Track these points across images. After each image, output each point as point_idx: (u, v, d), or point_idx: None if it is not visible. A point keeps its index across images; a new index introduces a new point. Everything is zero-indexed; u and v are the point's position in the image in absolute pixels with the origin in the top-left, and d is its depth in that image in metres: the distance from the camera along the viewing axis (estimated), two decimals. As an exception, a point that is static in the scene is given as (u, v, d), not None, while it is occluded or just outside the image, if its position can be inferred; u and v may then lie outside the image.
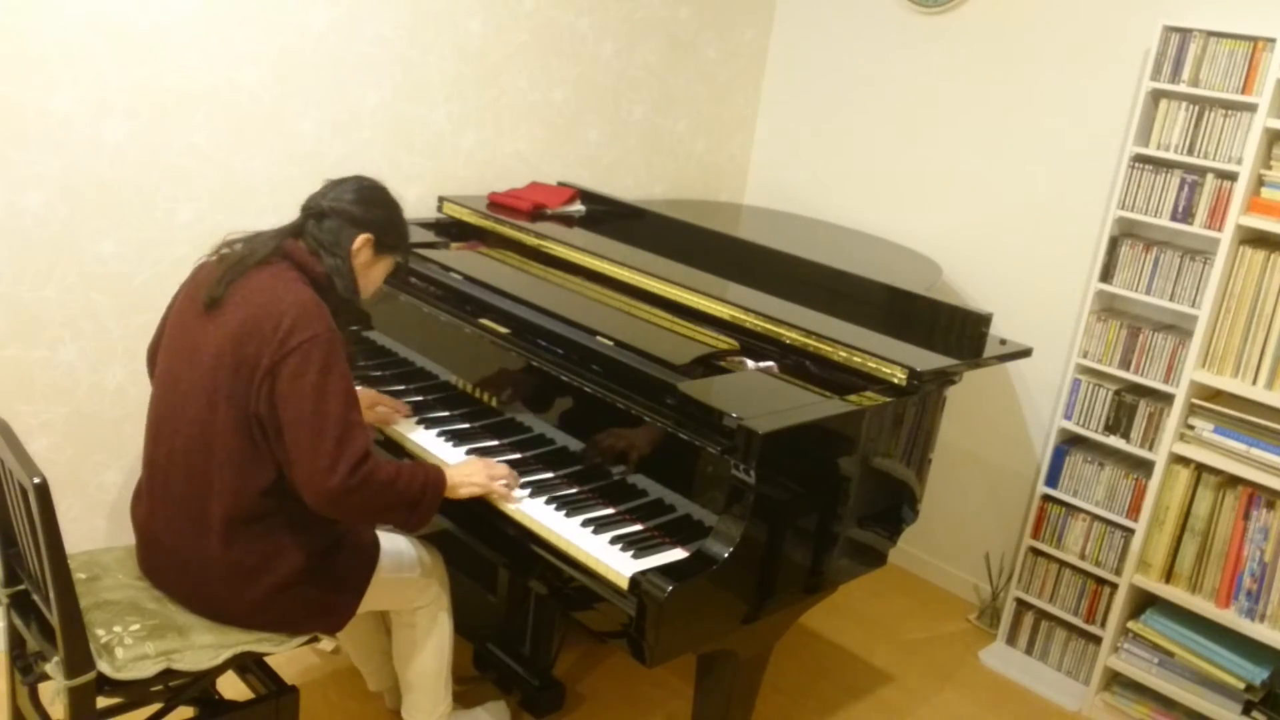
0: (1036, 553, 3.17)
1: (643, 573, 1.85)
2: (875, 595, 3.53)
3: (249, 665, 2.06)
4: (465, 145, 3.18)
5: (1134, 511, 2.93)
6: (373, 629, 2.47)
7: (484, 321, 2.42)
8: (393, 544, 2.18)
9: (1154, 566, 2.90)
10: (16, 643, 2.02)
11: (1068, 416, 3.05)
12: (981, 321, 2.42)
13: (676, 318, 2.45)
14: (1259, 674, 2.73)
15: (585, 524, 2.03)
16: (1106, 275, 2.94)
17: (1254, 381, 2.71)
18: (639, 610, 1.84)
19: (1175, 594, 2.86)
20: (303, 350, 1.82)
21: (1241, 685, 2.73)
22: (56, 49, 2.36)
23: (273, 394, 1.83)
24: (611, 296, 2.57)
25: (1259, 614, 2.73)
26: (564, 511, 2.07)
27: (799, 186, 3.91)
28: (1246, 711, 2.77)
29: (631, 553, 1.94)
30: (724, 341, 2.32)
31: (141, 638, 1.85)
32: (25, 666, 2.01)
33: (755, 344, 2.35)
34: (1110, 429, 2.98)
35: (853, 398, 2.12)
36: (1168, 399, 2.84)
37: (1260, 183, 2.68)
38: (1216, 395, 2.82)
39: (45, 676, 1.97)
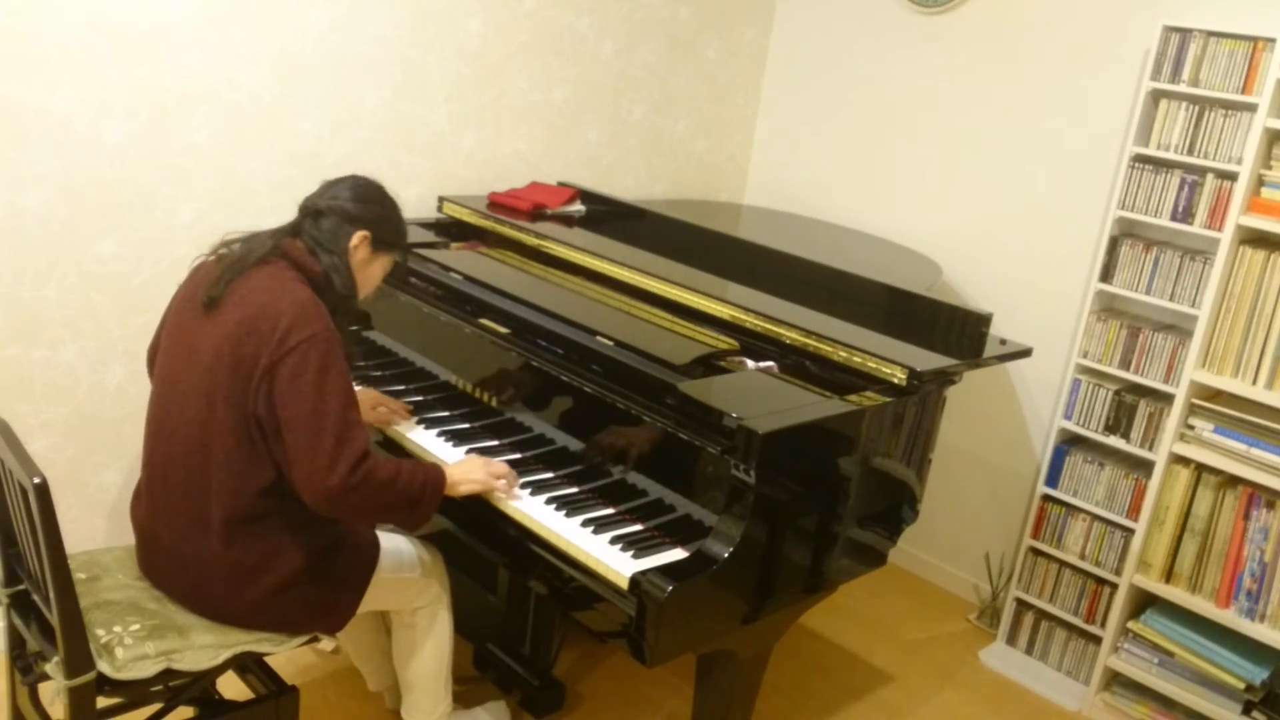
0: (1036, 553, 3.17)
1: (643, 573, 1.85)
2: (875, 595, 3.53)
3: (249, 665, 2.06)
4: (465, 145, 3.18)
5: (1134, 511, 2.93)
6: (373, 629, 2.47)
7: (484, 321, 2.42)
8: (393, 544, 2.18)
9: (1154, 566, 2.90)
10: (16, 643, 2.02)
11: (1068, 416, 3.05)
12: (981, 321, 2.42)
13: (676, 318, 2.45)
14: (1259, 674, 2.73)
15: (585, 524, 2.03)
16: (1106, 275, 2.94)
17: (1254, 381, 2.71)
18: (639, 610, 1.84)
19: (1175, 594, 2.86)
20: (301, 350, 1.82)
21: (1241, 685, 2.73)
22: (56, 49, 2.36)
23: (271, 394, 1.83)
24: (611, 296, 2.57)
25: (1259, 614, 2.73)
26: (564, 511, 2.07)
27: (799, 186, 3.91)
28: (1246, 711, 2.77)
29: (631, 553, 1.94)
30: (724, 341, 2.32)
31: (141, 638, 1.85)
32: (25, 666, 2.01)
33: (755, 344, 2.35)
34: (1110, 429, 2.98)
35: (853, 398, 2.12)
36: (1168, 399, 2.84)
37: (1260, 183, 2.68)
38: (1216, 395, 2.82)
39: (45, 676, 1.97)
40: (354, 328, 2.75)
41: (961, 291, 3.45)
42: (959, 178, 3.45)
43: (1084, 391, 3.01)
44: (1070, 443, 3.09)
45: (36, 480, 1.65)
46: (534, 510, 2.07)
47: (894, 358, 2.20)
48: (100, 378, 2.64)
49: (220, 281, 1.90)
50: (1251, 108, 2.65)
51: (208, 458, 1.89)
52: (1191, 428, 2.80)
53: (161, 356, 2.01)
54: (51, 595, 1.71)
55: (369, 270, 2.08)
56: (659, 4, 3.51)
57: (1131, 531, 2.93)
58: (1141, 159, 2.86)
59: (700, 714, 2.25)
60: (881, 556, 2.33)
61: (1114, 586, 2.98)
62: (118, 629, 1.85)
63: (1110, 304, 3.06)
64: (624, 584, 1.86)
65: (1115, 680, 3.06)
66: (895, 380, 2.17)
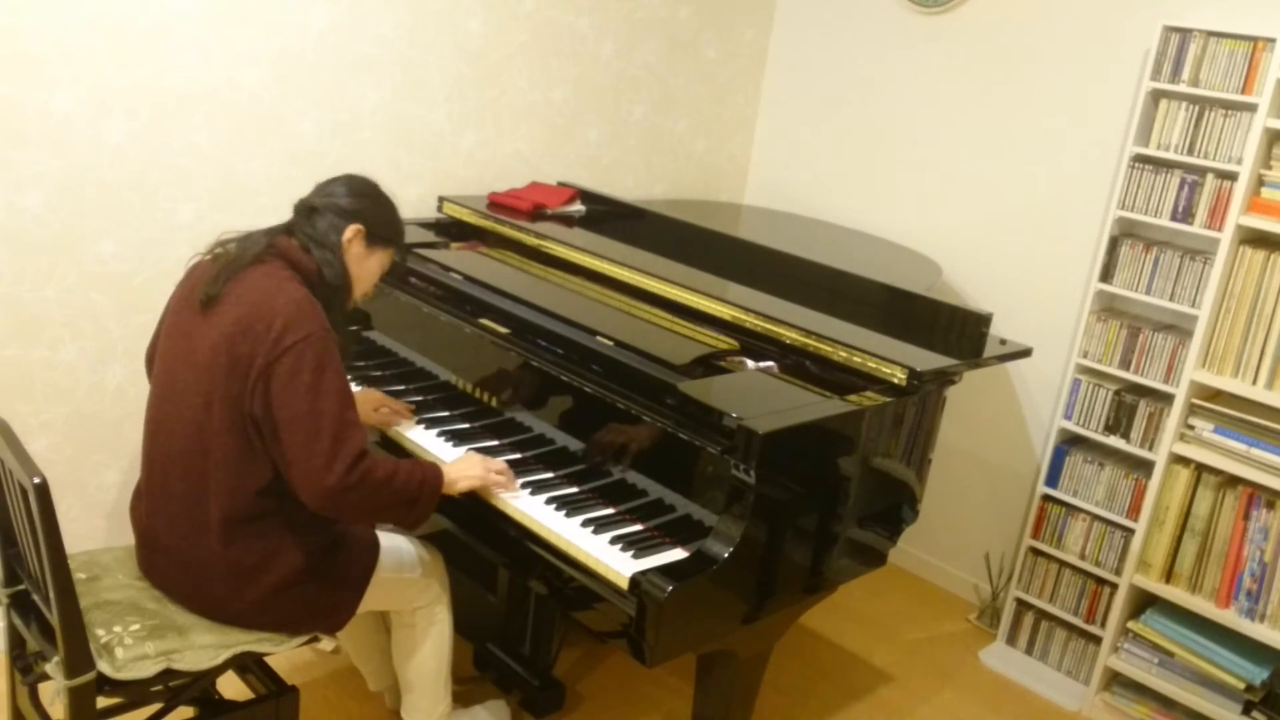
0: (1036, 553, 3.17)
1: (643, 573, 1.85)
2: (875, 595, 3.53)
3: (249, 665, 2.06)
4: (465, 145, 3.18)
5: (1134, 511, 2.93)
6: (373, 629, 2.47)
7: (484, 321, 2.42)
8: (393, 543, 2.18)
9: (1154, 566, 2.90)
10: (16, 643, 2.02)
11: (1068, 416, 3.05)
12: (981, 321, 2.42)
13: (676, 318, 2.45)
14: (1259, 674, 2.73)
15: (585, 524, 2.03)
16: (1106, 275, 2.94)
17: (1254, 381, 2.71)
18: (639, 610, 1.84)
19: (1175, 594, 2.86)
20: (297, 350, 1.82)
21: (1241, 685, 2.73)
22: (56, 49, 2.36)
23: (267, 394, 1.83)
24: (611, 296, 2.57)
25: (1259, 614, 2.73)
26: (564, 511, 2.07)
27: (799, 186, 3.91)
28: (1246, 711, 2.77)
29: (631, 553, 1.94)
30: (724, 341, 2.32)
31: (141, 638, 1.85)
32: (25, 666, 2.01)
33: (755, 344, 2.35)
34: (1110, 429, 2.98)
35: (853, 398, 2.12)
36: (1168, 399, 2.84)
37: (1260, 183, 2.68)
38: (1216, 395, 2.82)
39: (45, 676, 1.97)
40: (354, 328, 2.75)
41: (961, 291, 3.45)
42: (959, 178, 3.45)
43: (1084, 391, 3.01)
44: (1070, 443, 3.09)
45: (36, 480, 1.65)
46: (534, 510, 2.07)
47: (894, 358, 2.20)
48: (100, 378, 2.64)
49: (217, 280, 1.90)
50: (1251, 108, 2.65)
51: (206, 457, 1.89)
52: (1191, 428, 2.80)
53: (159, 357, 2.01)
54: (51, 595, 1.71)
55: (365, 265, 2.07)
56: (659, 4, 3.51)
57: (1131, 531, 2.93)
58: (1141, 159, 2.86)
59: (700, 714, 2.25)
60: (881, 556, 2.33)
61: (1114, 586, 2.98)
62: (118, 629, 1.85)
63: (1110, 304, 3.06)
64: (624, 584, 1.86)
65: (1115, 680, 3.06)
66: (895, 380, 2.17)
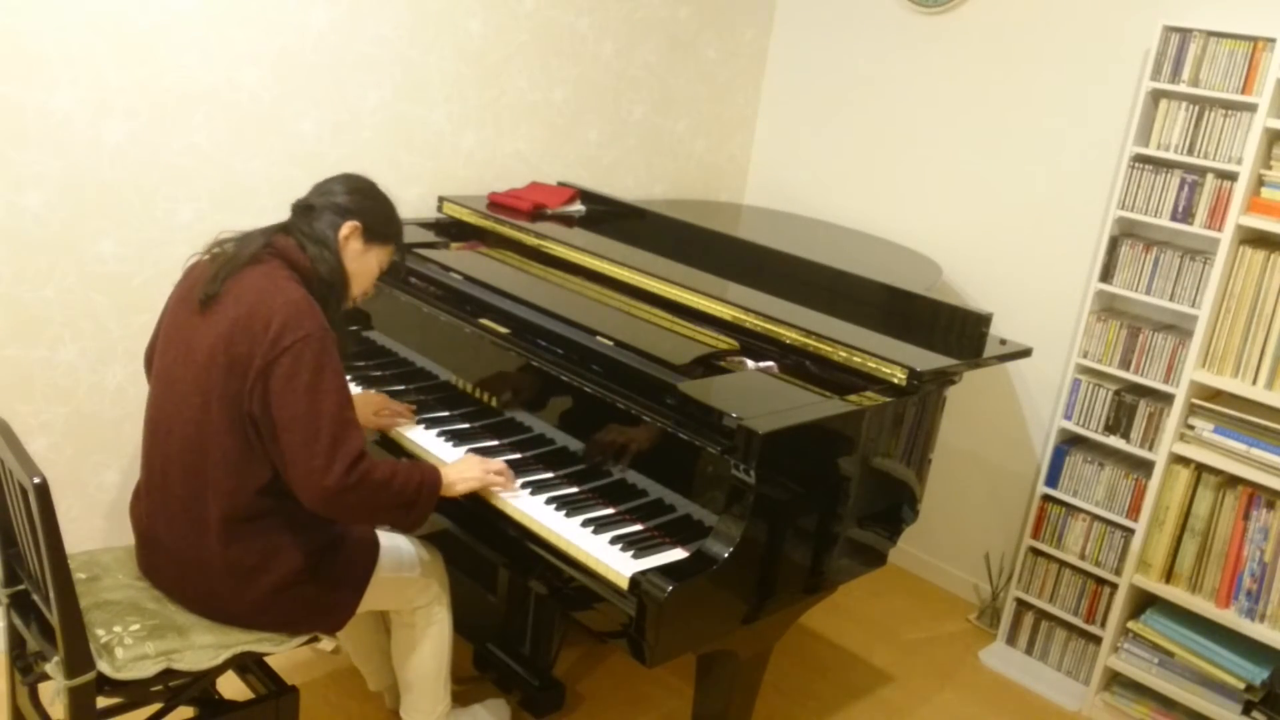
0: (1036, 553, 3.17)
1: (643, 573, 1.85)
2: (875, 595, 3.53)
3: (249, 665, 2.06)
4: (465, 145, 3.18)
5: (1134, 511, 2.93)
6: (372, 629, 2.47)
7: (484, 321, 2.42)
8: (392, 543, 2.18)
9: (1154, 566, 2.90)
10: (16, 643, 2.02)
11: (1068, 416, 3.05)
12: (981, 321, 2.42)
13: (676, 318, 2.45)
14: (1259, 674, 2.73)
15: (585, 524, 2.03)
16: (1106, 275, 2.94)
17: (1254, 381, 2.71)
18: (639, 610, 1.84)
19: (1175, 594, 2.86)
20: (294, 351, 1.82)
21: (1241, 685, 2.73)
22: (56, 49, 2.36)
23: (266, 395, 1.82)
24: (611, 296, 2.57)
25: (1259, 614, 2.73)
26: (564, 511, 2.07)
27: (799, 186, 3.91)
28: (1246, 711, 2.77)
29: (631, 553, 1.94)
30: (724, 341, 2.32)
31: (141, 638, 1.85)
32: (25, 666, 2.01)
33: (755, 344, 2.35)
34: (1110, 429, 2.98)
35: (853, 398, 2.12)
36: (1168, 399, 2.84)
37: (1260, 183, 2.68)
38: (1216, 395, 2.82)
39: (45, 676, 1.96)
40: (354, 328, 2.75)
41: (961, 291, 3.45)
42: (959, 178, 3.45)
43: (1084, 391, 3.01)
44: (1070, 443, 3.09)
45: (36, 480, 1.65)
46: (534, 510, 2.07)
47: (894, 358, 2.20)
48: (100, 378, 2.64)
49: (216, 280, 1.90)
50: (1251, 108, 2.65)
51: (205, 457, 1.88)
52: (1191, 428, 2.80)
53: (158, 357, 2.01)
54: (51, 595, 1.71)
55: (363, 262, 2.07)
56: (659, 4, 3.51)
57: (1131, 531, 2.93)
58: (1141, 159, 2.86)
59: (700, 714, 2.25)
60: (881, 556, 2.33)
61: (1114, 586, 2.98)
62: (118, 629, 1.85)
63: (1110, 304, 3.06)
64: (624, 584, 1.86)
65: (1115, 680, 3.06)
66: (895, 380, 2.17)
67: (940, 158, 3.49)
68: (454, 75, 3.08)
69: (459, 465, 2.10)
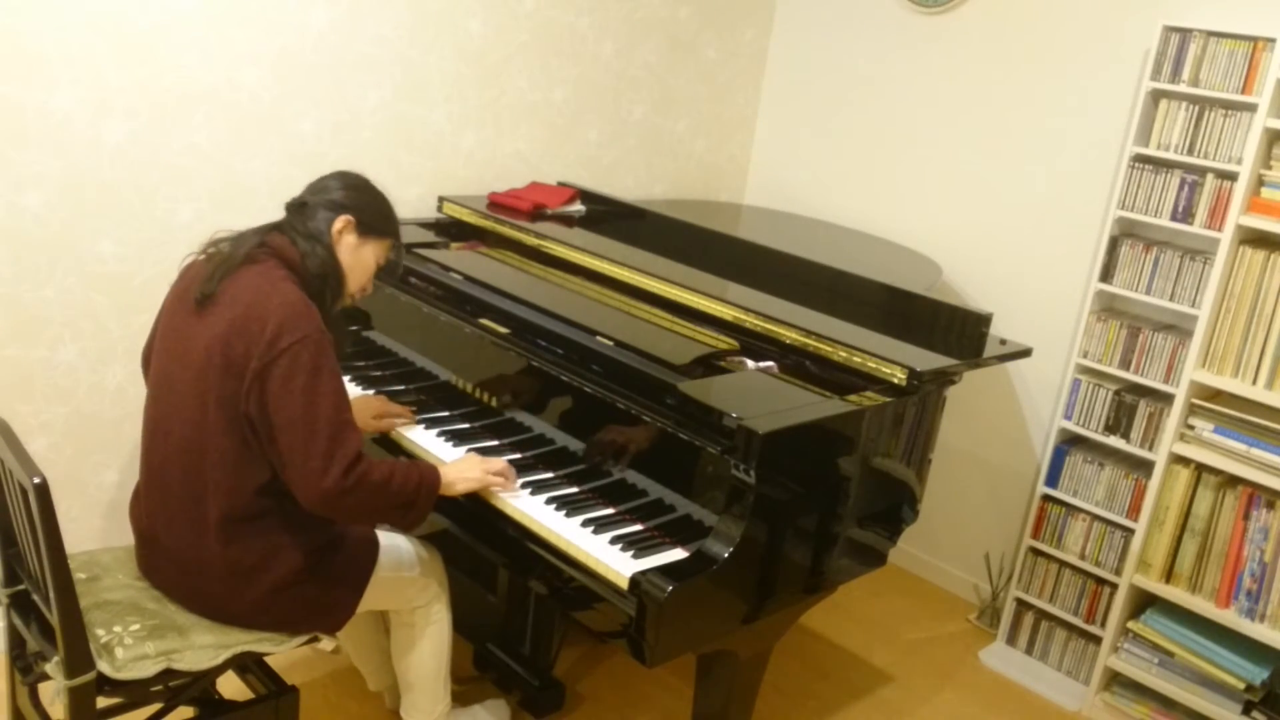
0: (1036, 553, 3.17)
1: (643, 573, 1.85)
2: (875, 595, 3.53)
3: (249, 665, 2.06)
4: (465, 145, 3.18)
5: (1134, 511, 2.93)
6: (372, 628, 2.47)
7: (484, 321, 2.42)
8: (392, 543, 2.18)
9: (1154, 566, 2.90)
10: (16, 643, 2.02)
11: (1068, 416, 3.05)
12: (981, 321, 2.42)
13: (676, 318, 2.45)
14: (1259, 674, 2.73)
15: (585, 524, 2.03)
16: (1106, 275, 2.94)
17: (1254, 381, 2.71)
18: (639, 610, 1.84)
19: (1175, 594, 2.86)
20: (291, 352, 1.82)
21: (1241, 685, 2.73)
22: (56, 49, 2.36)
23: (263, 396, 1.82)
24: (611, 296, 2.57)
25: (1259, 614, 2.73)
26: (564, 511, 2.07)
27: (799, 186, 3.91)
28: (1246, 711, 2.77)
29: (631, 553, 1.94)
30: (724, 341, 2.32)
31: (141, 638, 1.85)
32: (25, 666, 2.01)
33: (755, 344, 2.35)
34: (1110, 429, 2.98)
35: (853, 398, 2.12)
36: (1168, 399, 2.84)
37: (1260, 183, 2.68)
38: (1216, 395, 2.82)
39: (45, 676, 1.96)
40: (354, 328, 2.75)
41: (961, 291, 3.45)
42: (959, 178, 3.45)
43: (1084, 391, 3.01)
44: (1070, 443, 3.09)
45: (36, 480, 1.65)
46: (534, 510, 2.07)
47: (894, 358, 2.20)
48: (100, 378, 2.64)
49: (212, 279, 1.90)
50: (1251, 108, 2.65)
51: (203, 457, 1.88)
52: (1191, 428, 2.80)
53: (156, 357, 2.00)
54: (51, 595, 1.71)
55: (358, 256, 2.05)
56: (659, 4, 3.51)
57: (1131, 531, 2.93)
58: (1141, 159, 2.86)
59: (700, 714, 2.25)
60: (881, 556, 2.33)
61: (1114, 586, 2.98)
62: (118, 629, 1.85)
63: (1110, 304, 3.06)
64: (624, 584, 1.86)
65: (1115, 680, 3.06)
66: (895, 380, 2.17)
67: (940, 158, 3.49)
68: (454, 75, 3.08)
69: (459, 465, 2.10)
